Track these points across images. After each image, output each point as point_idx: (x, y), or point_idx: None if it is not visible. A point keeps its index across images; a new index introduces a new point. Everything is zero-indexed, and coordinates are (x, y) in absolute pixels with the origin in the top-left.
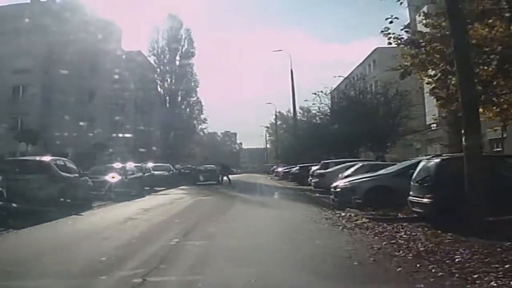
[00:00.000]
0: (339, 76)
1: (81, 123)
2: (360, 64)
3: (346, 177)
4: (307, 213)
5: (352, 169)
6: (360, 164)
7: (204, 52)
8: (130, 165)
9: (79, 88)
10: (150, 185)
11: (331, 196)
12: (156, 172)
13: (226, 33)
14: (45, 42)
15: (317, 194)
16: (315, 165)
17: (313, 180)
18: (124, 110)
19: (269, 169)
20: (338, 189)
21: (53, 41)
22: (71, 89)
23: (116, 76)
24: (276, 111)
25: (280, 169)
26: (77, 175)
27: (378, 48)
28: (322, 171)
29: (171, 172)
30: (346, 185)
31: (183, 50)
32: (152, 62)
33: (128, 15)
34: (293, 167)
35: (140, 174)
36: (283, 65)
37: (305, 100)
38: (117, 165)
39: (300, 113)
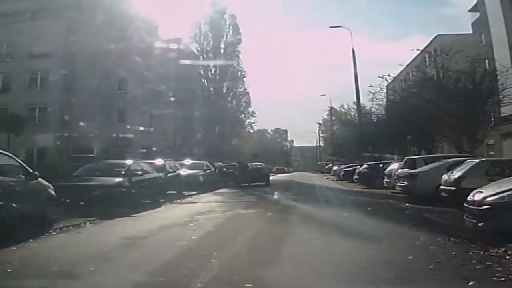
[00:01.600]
0: (399, 65)
1: (109, 116)
2: (419, 53)
3: (459, 178)
4: (440, 254)
5: (463, 168)
6: (476, 161)
7: (252, 47)
8: (139, 162)
9: (107, 76)
10: (178, 188)
11: (468, 218)
12: (186, 172)
13: (274, 28)
14: (68, 25)
15: (409, 204)
16: (387, 163)
17: (398, 183)
18: (160, 102)
19: (322, 167)
20: (485, 206)
21: (77, 23)
22: (98, 78)
23: (152, 65)
24: (329, 106)
25: (336, 168)
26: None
27: (438, 35)
28: (412, 170)
29: (208, 171)
30: (504, 199)
31: (228, 37)
32: (194, 50)
33: (167, 2)
34: (354, 166)
35: (157, 174)
36: (334, 61)
37: (370, 86)
38: (121, 162)
39: (354, 108)
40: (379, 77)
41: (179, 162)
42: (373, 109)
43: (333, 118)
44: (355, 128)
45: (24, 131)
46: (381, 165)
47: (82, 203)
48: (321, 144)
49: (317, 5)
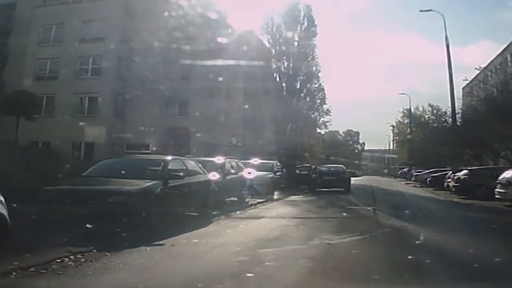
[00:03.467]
0: (476, 69)
1: (169, 108)
2: (500, 53)
3: None
4: None
5: None
6: None
7: (324, 44)
8: (183, 159)
9: (169, 65)
10: (240, 194)
11: None
12: (252, 174)
13: (349, 26)
14: (125, 6)
15: None
16: (495, 169)
17: None
18: (228, 96)
19: (395, 172)
20: None
21: (136, 5)
22: (158, 66)
23: (219, 55)
24: (407, 106)
25: (418, 173)
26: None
27: None
28: None
29: (278, 173)
30: None
31: (303, 29)
32: (266, 42)
33: None
34: (443, 171)
35: (211, 176)
36: (409, 63)
37: (463, 79)
38: (155, 159)
39: (429, 111)
40: (476, 68)
41: (244, 161)
42: (460, 110)
43: (407, 120)
44: (444, 130)
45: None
46: (487, 172)
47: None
48: (392, 148)
49: (387, 8)
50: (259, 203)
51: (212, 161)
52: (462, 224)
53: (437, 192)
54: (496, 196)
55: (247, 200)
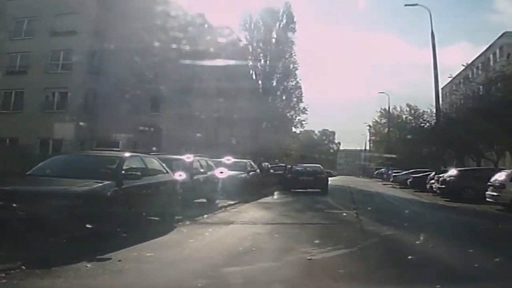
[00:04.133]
0: (462, 65)
1: (141, 104)
2: (482, 53)
3: None
4: None
5: None
6: None
7: (301, 44)
8: (142, 157)
9: (142, 60)
10: (210, 195)
11: None
12: (223, 174)
13: (325, 26)
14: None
15: None
16: (486, 170)
17: None
18: (202, 93)
19: (371, 172)
20: None
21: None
22: (131, 60)
23: (194, 51)
24: (383, 106)
25: (397, 174)
26: None
27: (506, 32)
28: None
29: (252, 173)
30: None
31: (281, 26)
32: (243, 39)
33: None
34: (424, 172)
35: (176, 177)
36: (387, 64)
37: (448, 77)
38: (111, 156)
39: (407, 111)
40: (462, 65)
41: (215, 159)
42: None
43: (384, 120)
44: (424, 130)
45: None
46: (474, 174)
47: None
48: (369, 148)
49: (367, 8)
50: (230, 205)
51: (179, 159)
52: (460, 232)
53: (419, 194)
54: (488, 199)
55: (217, 202)
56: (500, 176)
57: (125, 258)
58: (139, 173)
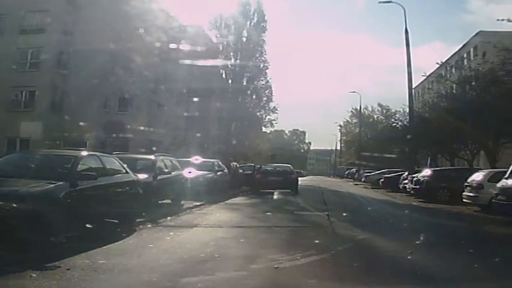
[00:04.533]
0: (437, 63)
1: (109, 104)
2: (457, 52)
3: None
4: None
5: None
6: None
7: (272, 44)
8: (100, 156)
9: (111, 59)
10: (176, 196)
11: None
12: (189, 174)
13: (296, 26)
14: None
15: None
16: (455, 170)
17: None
18: (171, 92)
19: (342, 172)
20: None
21: None
22: (100, 59)
23: (164, 50)
24: (354, 106)
25: (369, 174)
26: None
27: (480, 31)
28: None
29: (220, 173)
30: None
31: (252, 24)
32: (214, 37)
33: None
34: (397, 172)
35: (138, 176)
36: (359, 64)
37: (422, 75)
38: (65, 155)
39: (378, 110)
40: (437, 63)
41: (183, 159)
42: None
43: (355, 120)
44: (396, 130)
45: None
46: (450, 174)
47: None
48: (340, 148)
49: (340, 7)
50: (196, 206)
51: (142, 158)
52: (440, 237)
53: (391, 194)
54: (465, 200)
55: (182, 203)
56: (478, 177)
57: (75, 266)
58: (94, 173)
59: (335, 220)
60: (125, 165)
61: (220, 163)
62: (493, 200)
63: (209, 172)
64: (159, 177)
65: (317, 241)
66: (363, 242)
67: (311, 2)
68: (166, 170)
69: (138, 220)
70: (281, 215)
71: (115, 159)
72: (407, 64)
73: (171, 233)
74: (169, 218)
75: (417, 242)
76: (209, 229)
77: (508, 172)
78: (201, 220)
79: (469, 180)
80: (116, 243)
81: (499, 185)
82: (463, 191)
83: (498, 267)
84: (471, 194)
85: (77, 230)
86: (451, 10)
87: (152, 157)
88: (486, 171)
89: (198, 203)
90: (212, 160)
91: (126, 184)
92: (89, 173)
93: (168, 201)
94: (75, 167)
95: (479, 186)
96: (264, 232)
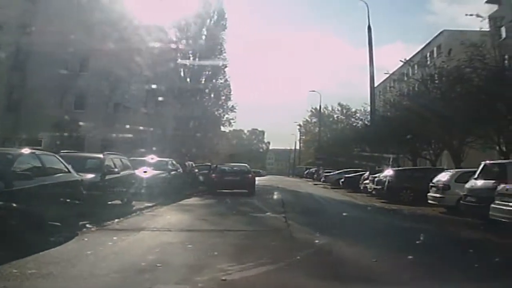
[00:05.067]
0: (400, 60)
1: (65, 102)
2: (420, 51)
3: None
4: None
5: None
6: None
7: (232, 44)
8: (32, 154)
9: (68, 55)
10: (128, 196)
11: None
12: (142, 174)
13: (255, 25)
14: None
15: None
16: (418, 170)
17: (471, 203)
18: (129, 90)
19: (301, 172)
20: None
21: None
22: (57, 56)
23: (121, 48)
24: (312, 107)
25: (328, 173)
26: None
27: (444, 30)
28: None
29: (173, 172)
30: None
31: (212, 22)
32: (173, 36)
33: None
34: (357, 172)
35: (69, 177)
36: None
37: (385, 73)
38: None
39: (338, 110)
40: (401, 60)
41: (139, 158)
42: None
43: (314, 120)
44: (357, 130)
45: None
46: (413, 174)
47: None
48: (299, 148)
49: (303, 6)
50: (147, 208)
51: (90, 157)
52: (406, 241)
53: (352, 194)
54: (430, 201)
55: (133, 204)
56: (444, 177)
57: (2, 275)
58: (30, 173)
59: (293, 223)
60: (68, 165)
61: (174, 162)
62: (461, 202)
63: (162, 172)
64: (107, 177)
65: (272, 247)
66: (323, 247)
67: (274, 1)
68: (116, 170)
69: (82, 222)
70: (235, 217)
71: (57, 158)
72: (370, 61)
73: (114, 238)
74: (116, 220)
75: (382, 247)
76: (156, 233)
77: (478, 172)
78: (150, 223)
79: (434, 180)
80: (53, 249)
81: (467, 185)
82: (428, 192)
83: (473, 273)
84: (437, 195)
85: (13, 234)
86: (414, 11)
87: (100, 155)
88: (453, 171)
89: (150, 204)
90: (166, 159)
91: (67, 184)
92: (26, 172)
93: (118, 202)
94: (9, 166)
95: (446, 186)
96: (215, 237)
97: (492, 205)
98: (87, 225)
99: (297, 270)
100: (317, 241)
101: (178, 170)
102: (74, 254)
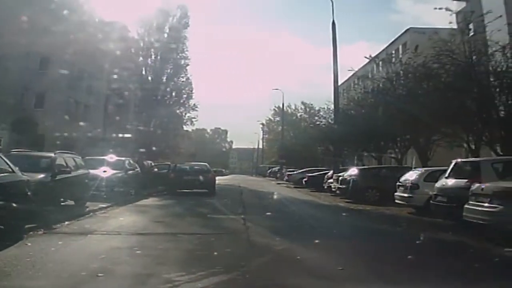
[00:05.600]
0: (365, 57)
1: (25, 100)
2: (384, 49)
3: None
4: None
5: None
6: None
7: (195, 43)
8: None
9: (25, 55)
10: (81, 196)
11: None
12: (97, 173)
13: (219, 25)
14: None
15: None
16: (384, 169)
17: (443, 204)
18: (90, 89)
19: (264, 171)
20: None
21: None
22: (16, 52)
23: (83, 46)
24: (275, 106)
25: (292, 173)
26: None
27: (410, 28)
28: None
29: (131, 171)
30: None
31: (175, 19)
32: (135, 33)
33: None
34: (320, 171)
35: (12, 178)
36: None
37: (349, 70)
38: None
39: (301, 109)
40: (365, 57)
41: (95, 157)
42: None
43: (277, 118)
44: (320, 128)
45: None
46: (379, 172)
47: None
48: (262, 147)
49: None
50: (102, 209)
51: (40, 156)
52: (374, 244)
53: (316, 194)
54: (397, 201)
55: (87, 205)
56: (412, 176)
57: None
58: None
59: (252, 225)
60: (11, 164)
61: (131, 161)
62: (431, 202)
63: (119, 172)
64: (58, 177)
65: (227, 254)
66: (284, 253)
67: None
68: (67, 169)
69: (29, 226)
70: (191, 219)
71: (1, 157)
72: (333, 58)
73: (60, 242)
74: (66, 223)
75: (349, 252)
76: (105, 236)
77: (448, 171)
78: (101, 226)
79: (402, 179)
80: None
81: (438, 185)
82: (395, 191)
83: (452, 280)
84: (404, 195)
85: None
86: (378, 10)
87: (51, 154)
88: (421, 169)
89: (105, 205)
90: (123, 158)
91: (11, 185)
92: None
93: (72, 203)
94: None
95: (414, 186)
96: (167, 241)
97: (466, 206)
98: (35, 229)
99: (252, 281)
100: (276, 246)
101: (136, 170)
102: (11, 261)
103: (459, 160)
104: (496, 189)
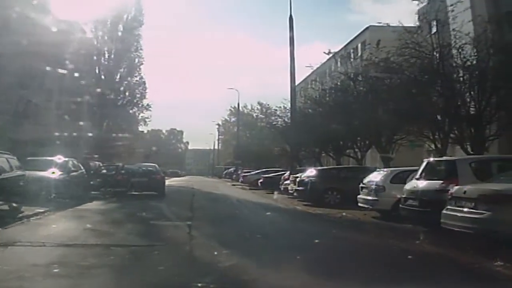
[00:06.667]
0: (324, 53)
1: None
2: (343, 47)
3: None
4: None
5: None
6: None
7: (151, 48)
8: None
9: None
10: (18, 199)
11: None
12: (35, 175)
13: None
14: None
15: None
16: (345, 169)
17: (414, 208)
18: (40, 88)
19: (220, 172)
20: None
21: None
22: None
23: (34, 43)
24: (231, 106)
25: (247, 174)
26: None
27: (370, 26)
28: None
29: (74, 173)
30: None
31: (129, 18)
32: (88, 31)
33: None
34: (276, 172)
35: None
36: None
37: (307, 66)
38: None
39: (258, 109)
40: (325, 52)
41: (40, 158)
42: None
43: (233, 118)
44: (277, 129)
45: None
46: (339, 173)
47: None
48: (218, 147)
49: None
50: (38, 214)
51: None
52: (338, 257)
53: (271, 196)
54: (360, 204)
55: (22, 209)
56: (376, 177)
57: None
58: None
59: (197, 235)
60: None
61: (75, 162)
62: (400, 205)
63: (62, 173)
64: None
65: (161, 273)
66: (231, 272)
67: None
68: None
69: None
70: (131, 226)
71: None
72: (291, 54)
73: None
74: None
75: (309, 269)
76: (27, 249)
77: (419, 172)
78: (28, 235)
79: (365, 181)
80: None
81: (408, 187)
82: (358, 194)
83: None
84: (369, 198)
85: None
86: (335, 10)
87: None
88: (387, 170)
89: (42, 210)
90: (66, 159)
91: None
92: None
93: (6, 207)
94: None
95: (379, 188)
96: (94, 255)
97: (445, 212)
98: None
99: None
100: (222, 262)
101: (80, 171)
102: None
103: (431, 159)
104: (482, 192)
